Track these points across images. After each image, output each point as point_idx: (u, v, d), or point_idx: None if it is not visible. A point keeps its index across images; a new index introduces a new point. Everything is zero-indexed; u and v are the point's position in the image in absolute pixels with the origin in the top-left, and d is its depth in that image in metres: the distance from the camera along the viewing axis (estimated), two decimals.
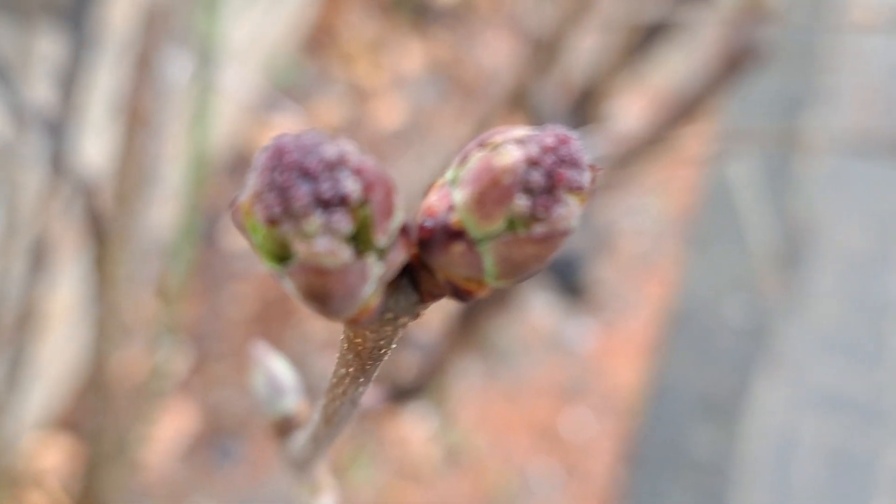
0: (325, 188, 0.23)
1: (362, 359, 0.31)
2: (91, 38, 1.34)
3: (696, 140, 1.77)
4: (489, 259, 0.26)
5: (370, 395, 0.59)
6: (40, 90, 1.35)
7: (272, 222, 0.23)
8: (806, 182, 2.70)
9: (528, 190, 0.24)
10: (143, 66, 1.18)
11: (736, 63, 1.52)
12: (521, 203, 0.24)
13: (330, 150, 0.23)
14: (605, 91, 1.95)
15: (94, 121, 1.53)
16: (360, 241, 0.24)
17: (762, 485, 2.20)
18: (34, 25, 1.35)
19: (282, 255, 0.24)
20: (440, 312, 2.22)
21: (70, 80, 1.30)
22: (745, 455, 2.22)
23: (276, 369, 0.47)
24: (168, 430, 1.98)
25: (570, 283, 2.38)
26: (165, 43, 1.16)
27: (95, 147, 1.54)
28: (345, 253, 0.23)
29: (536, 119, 1.72)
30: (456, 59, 2.78)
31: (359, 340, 0.30)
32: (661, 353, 2.38)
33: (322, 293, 0.24)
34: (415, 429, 2.17)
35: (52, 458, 1.86)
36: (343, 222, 0.23)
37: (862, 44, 2.94)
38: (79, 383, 1.90)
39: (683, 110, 1.60)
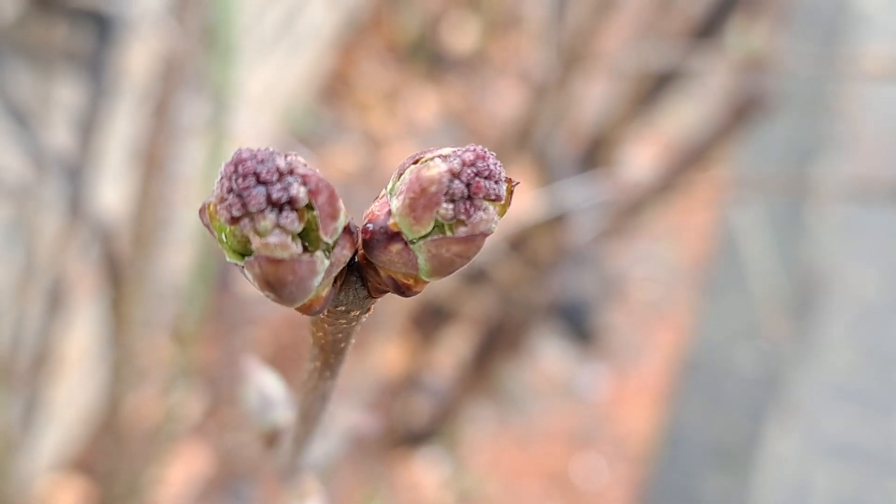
0: (276, 191, 0.27)
1: (325, 352, 0.36)
2: (110, 86, 1.37)
3: (707, 187, 1.79)
4: (422, 257, 0.30)
5: (366, 422, 0.61)
6: (59, 136, 1.38)
7: (233, 221, 0.27)
8: (818, 230, 2.71)
9: (451, 198, 0.29)
10: (160, 113, 1.20)
11: (745, 111, 1.55)
12: (446, 208, 0.29)
13: (281, 161, 0.27)
14: (615, 138, 1.97)
15: (112, 166, 1.56)
16: (309, 239, 0.29)
17: None
18: (54, 72, 1.38)
19: (243, 251, 0.29)
20: (453, 357, 2.23)
21: (88, 126, 1.33)
22: None
23: (266, 383, 0.50)
24: (181, 473, 1.99)
25: (580, 329, 2.38)
26: (182, 91, 1.19)
27: (113, 192, 1.57)
28: (294, 247, 0.28)
29: (543, 164, 1.74)
30: (469, 108, 2.82)
31: (320, 334, 0.35)
32: (673, 400, 2.38)
33: (276, 281, 0.28)
34: (427, 473, 2.17)
35: (65, 499, 1.87)
36: (292, 220, 0.27)
37: (873, 93, 2.96)
38: (93, 425, 1.91)
39: (694, 157, 1.62)
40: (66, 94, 1.39)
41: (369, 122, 2.70)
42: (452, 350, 2.25)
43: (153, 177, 1.24)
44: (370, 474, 2.12)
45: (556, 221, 1.63)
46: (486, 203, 0.29)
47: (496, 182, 0.29)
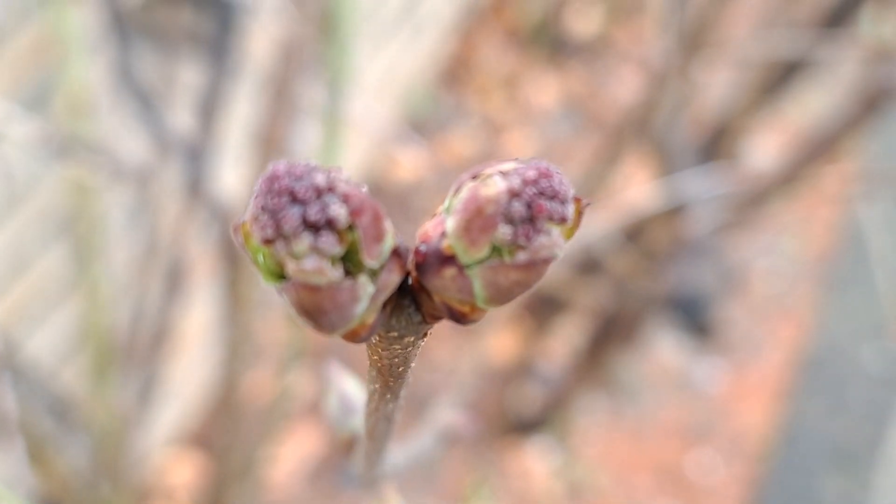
0: (313, 212, 0.25)
1: (384, 375, 0.33)
2: (231, 69, 1.39)
3: (834, 180, 1.74)
4: (478, 283, 0.27)
5: (462, 423, 0.60)
6: (182, 117, 1.40)
7: (266, 242, 0.25)
8: None
9: (510, 219, 0.26)
10: (280, 97, 1.21)
11: (876, 101, 1.49)
12: (504, 231, 0.26)
13: (319, 178, 0.25)
14: (738, 127, 1.92)
15: (232, 148, 1.58)
16: (351, 262, 0.26)
17: None
18: (178, 54, 1.40)
19: (280, 273, 0.26)
20: (566, 346, 2.22)
21: (210, 109, 1.35)
22: None
23: (347, 389, 0.49)
24: (295, 452, 2.02)
25: (698, 322, 2.34)
26: (301, 75, 1.20)
27: (232, 173, 1.59)
28: (333, 272, 0.25)
29: (663, 152, 1.71)
30: (590, 94, 2.78)
31: (376, 358, 0.32)
32: (793, 398, 2.32)
33: (313, 308, 0.26)
34: (537, 462, 2.16)
35: (182, 473, 1.92)
36: (330, 244, 0.25)
37: None
38: (210, 402, 1.95)
39: (821, 148, 1.57)
40: (190, 76, 1.42)
41: (489, 108, 2.69)
42: (566, 339, 2.23)
43: (271, 159, 1.25)
44: (480, 461, 2.12)
45: (675, 212, 1.60)
46: (549, 226, 0.26)
47: (562, 202, 0.26)
